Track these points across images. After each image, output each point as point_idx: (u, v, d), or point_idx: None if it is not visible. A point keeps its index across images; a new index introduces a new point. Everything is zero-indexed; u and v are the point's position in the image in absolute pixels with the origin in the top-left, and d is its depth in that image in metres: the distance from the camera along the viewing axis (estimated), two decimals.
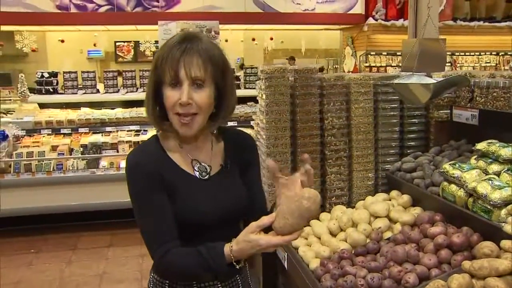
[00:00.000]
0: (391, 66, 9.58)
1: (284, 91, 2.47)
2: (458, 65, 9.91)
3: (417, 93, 2.16)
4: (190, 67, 1.24)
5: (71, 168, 4.76)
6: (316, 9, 9.58)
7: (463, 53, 10.02)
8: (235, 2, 9.00)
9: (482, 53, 10.16)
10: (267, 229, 1.21)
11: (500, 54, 10.15)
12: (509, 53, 10.09)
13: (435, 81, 2.08)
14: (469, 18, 9.73)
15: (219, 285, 1.38)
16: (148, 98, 1.34)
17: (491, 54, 10.21)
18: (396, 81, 2.29)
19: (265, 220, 1.19)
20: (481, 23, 9.67)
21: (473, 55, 10.13)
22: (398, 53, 9.27)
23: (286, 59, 11.25)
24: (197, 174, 1.37)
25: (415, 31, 4.52)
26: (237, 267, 1.24)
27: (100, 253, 4.35)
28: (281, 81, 2.47)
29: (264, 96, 2.50)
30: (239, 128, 1.60)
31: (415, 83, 2.14)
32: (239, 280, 1.44)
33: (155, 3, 8.78)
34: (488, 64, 10.14)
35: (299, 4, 9.49)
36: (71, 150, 4.94)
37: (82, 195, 4.65)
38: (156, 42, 10.12)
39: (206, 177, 1.37)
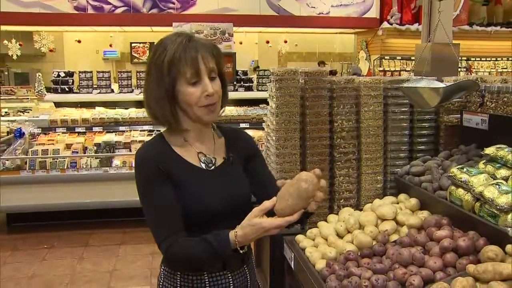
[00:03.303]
0: (405, 70, 9.54)
1: (294, 93, 2.50)
2: (474, 70, 9.82)
3: (427, 97, 2.17)
4: (207, 61, 1.33)
5: (84, 166, 4.84)
6: (330, 12, 9.59)
7: (478, 59, 9.92)
8: (250, 5, 9.06)
9: (498, 59, 10.05)
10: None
11: None
12: None
13: (444, 85, 2.09)
14: (485, 23, 9.64)
15: (229, 275, 1.43)
16: (162, 104, 1.35)
17: (508, 59, 10.09)
18: (405, 84, 2.29)
19: (267, 204, 1.25)
20: (498, 28, 9.57)
21: (489, 61, 10.02)
22: (412, 58, 9.23)
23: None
24: (203, 165, 1.43)
25: (428, 35, 4.53)
26: (241, 252, 1.29)
27: (111, 250, 4.41)
28: (291, 83, 2.49)
29: (274, 98, 2.52)
30: (232, 126, 1.68)
31: (425, 87, 2.15)
32: (246, 271, 1.49)
33: (171, 5, 8.88)
34: (505, 70, 10.03)
35: (314, 7, 9.51)
36: (85, 149, 5.03)
37: (95, 193, 4.72)
38: None
39: (212, 168, 1.44)
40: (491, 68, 10.03)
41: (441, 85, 2.10)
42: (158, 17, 8.84)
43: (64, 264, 4.13)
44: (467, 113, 2.42)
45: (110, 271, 3.98)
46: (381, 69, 9.54)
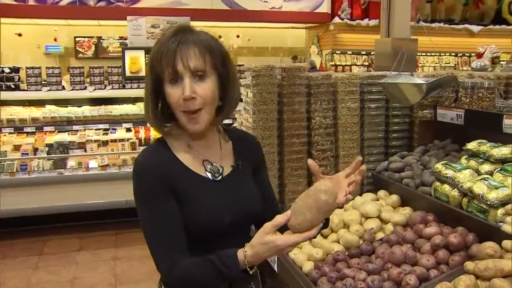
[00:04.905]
0: (356, 65, 9.72)
1: (272, 89, 2.43)
2: (420, 65, 10.17)
3: (408, 93, 2.17)
4: (187, 58, 1.18)
5: (36, 169, 4.53)
6: (283, 7, 9.58)
7: (424, 54, 10.30)
8: None
9: (442, 54, 10.48)
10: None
11: (458, 55, 10.52)
12: (466, 55, 10.47)
13: (426, 82, 2.09)
14: (429, 19, 10.01)
15: None
16: (147, 99, 1.27)
17: (450, 55, 10.54)
18: (387, 80, 2.28)
19: (280, 219, 1.11)
20: (441, 24, 9.97)
21: (433, 56, 10.43)
22: (362, 52, 9.45)
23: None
24: (209, 175, 1.29)
25: (388, 30, 4.62)
26: (251, 272, 1.15)
27: (69, 257, 4.16)
28: (268, 79, 2.42)
29: (251, 95, 2.44)
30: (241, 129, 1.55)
31: (407, 83, 2.14)
32: None
33: None
34: (447, 65, 10.46)
35: (266, 2, 9.46)
36: (35, 150, 4.69)
37: (49, 197, 4.44)
38: (120, 38, 9.86)
39: (219, 178, 1.30)
40: (436, 63, 10.43)
41: (424, 81, 2.10)
42: (107, 10, 8.45)
43: (18, 275, 3.84)
44: (441, 108, 2.45)
45: (71, 280, 3.74)
46: (333, 63, 9.65)
